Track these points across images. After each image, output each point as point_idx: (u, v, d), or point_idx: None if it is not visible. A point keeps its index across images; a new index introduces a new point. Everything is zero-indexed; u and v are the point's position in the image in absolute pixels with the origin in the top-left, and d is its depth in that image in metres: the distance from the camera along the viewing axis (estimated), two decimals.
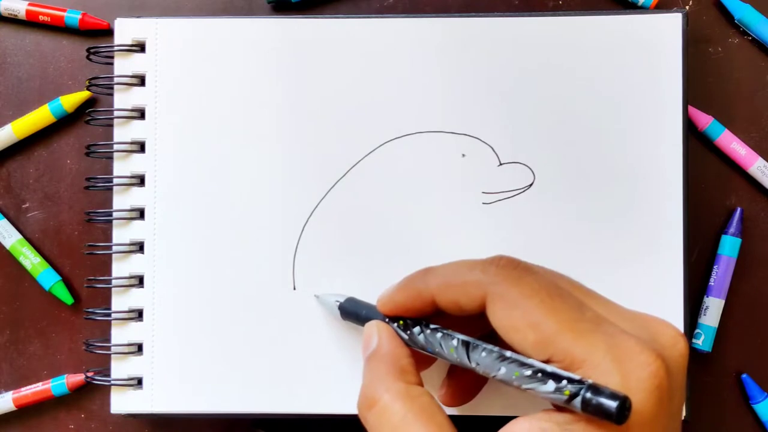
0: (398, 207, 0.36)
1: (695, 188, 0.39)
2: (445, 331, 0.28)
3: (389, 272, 0.36)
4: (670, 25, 0.36)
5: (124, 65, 0.37)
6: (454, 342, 0.27)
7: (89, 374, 0.38)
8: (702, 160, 0.40)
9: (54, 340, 0.40)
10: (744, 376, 0.39)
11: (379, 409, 0.26)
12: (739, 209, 0.39)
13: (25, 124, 0.40)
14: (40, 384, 0.40)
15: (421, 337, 0.28)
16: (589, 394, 0.22)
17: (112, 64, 0.38)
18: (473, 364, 0.26)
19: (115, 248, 0.37)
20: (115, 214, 0.37)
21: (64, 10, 0.40)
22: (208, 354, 0.36)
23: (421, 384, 0.27)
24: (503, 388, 0.34)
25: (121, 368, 0.37)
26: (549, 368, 0.23)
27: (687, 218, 0.36)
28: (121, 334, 0.37)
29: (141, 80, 0.37)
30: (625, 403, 0.21)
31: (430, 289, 0.28)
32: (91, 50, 0.38)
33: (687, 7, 0.40)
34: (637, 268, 0.36)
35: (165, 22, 0.37)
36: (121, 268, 0.37)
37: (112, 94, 0.38)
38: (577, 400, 0.22)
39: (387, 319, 0.30)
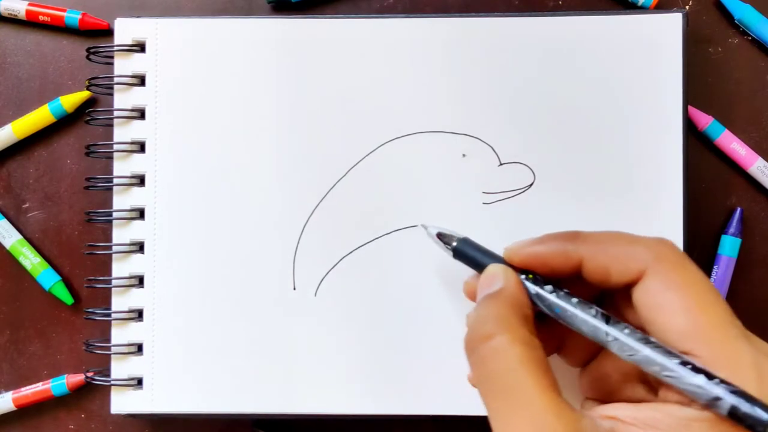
0: (398, 207, 0.36)
1: (695, 188, 0.39)
2: (580, 298, 0.27)
3: (390, 272, 0.36)
4: (670, 25, 0.36)
5: (124, 65, 0.37)
6: (593, 311, 0.26)
7: (89, 374, 0.38)
8: (702, 160, 0.40)
9: (54, 340, 0.40)
10: None
11: (497, 344, 0.25)
12: (739, 209, 0.39)
13: (25, 124, 0.40)
14: (40, 384, 0.40)
15: (552, 296, 0.27)
16: (743, 401, 0.22)
17: (112, 64, 0.38)
18: (609, 338, 0.25)
19: (115, 248, 0.37)
20: (115, 214, 0.37)
21: (64, 10, 0.40)
22: (208, 354, 0.36)
23: (537, 338, 0.26)
24: None
25: (121, 368, 0.37)
26: (699, 364, 0.23)
27: (687, 218, 0.36)
28: (121, 334, 0.37)
29: (141, 80, 0.37)
30: None
31: (579, 251, 0.27)
32: (91, 50, 0.38)
33: (687, 7, 0.40)
34: None
35: (165, 22, 0.37)
36: (121, 268, 0.37)
37: (112, 94, 0.38)
38: (724, 403, 0.22)
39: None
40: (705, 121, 0.39)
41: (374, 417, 0.36)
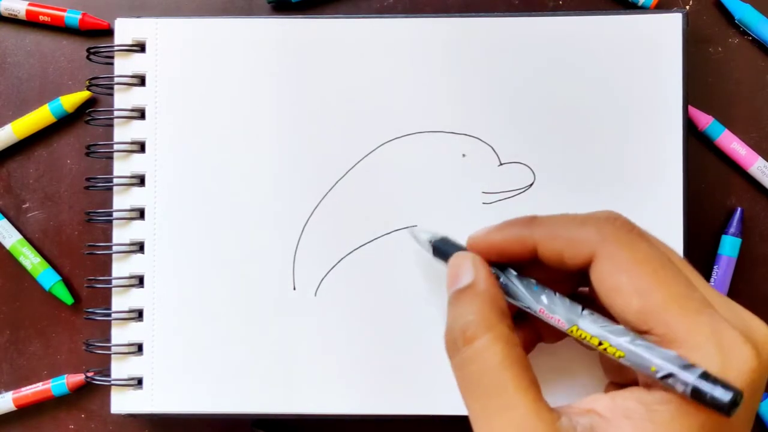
0: (398, 207, 0.36)
1: (695, 188, 0.39)
2: (544, 286, 0.26)
3: (389, 272, 0.36)
4: (670, 25, 0.36)
5: (124, 65, 0.37)
6: (567, 301, 0.26)
7: (89, 374, 0.38)
8: (702, 160, 0.40)
9: (54, 340, 0.40)
10: None
11: (478, 346, 0.24)
12: (739, 209, 0.39)
13: (25, 124, 0.40)
14: (40, 384, 0.40)
15: (517, 284, 0.27)
16: (703, 382, 0.22)
17: (112, 64, 0.38)
18: (569, 326, 0.25)
19: (115, 248, 0.37)
20: (115, 214, 0.37)
21: (64, 10, 0.40)
22: (208, 354, 0.36)
23: (514, 332, 0.25)
24: None
25: (121, 368, 0.37)
26: (654, 342, 0.23)
27: (687, 218, 0.36)
28: (121, 334, 0.37)
29: (141, 80, 0.37)
30: (737, 397, 0.21)
31: (534, 237, 0.26)
32: (91, 50, 0.38)
33: (687, 7, 0.40)
34: None
35: (165, 22, 0.37)
36: (121, 268, 0.37)
37: (112, 94, 0.38)
38: (685, 379, 0.22)
39: None
40: (705, 121, 0.39)
41: (374, 417, 0.36)
